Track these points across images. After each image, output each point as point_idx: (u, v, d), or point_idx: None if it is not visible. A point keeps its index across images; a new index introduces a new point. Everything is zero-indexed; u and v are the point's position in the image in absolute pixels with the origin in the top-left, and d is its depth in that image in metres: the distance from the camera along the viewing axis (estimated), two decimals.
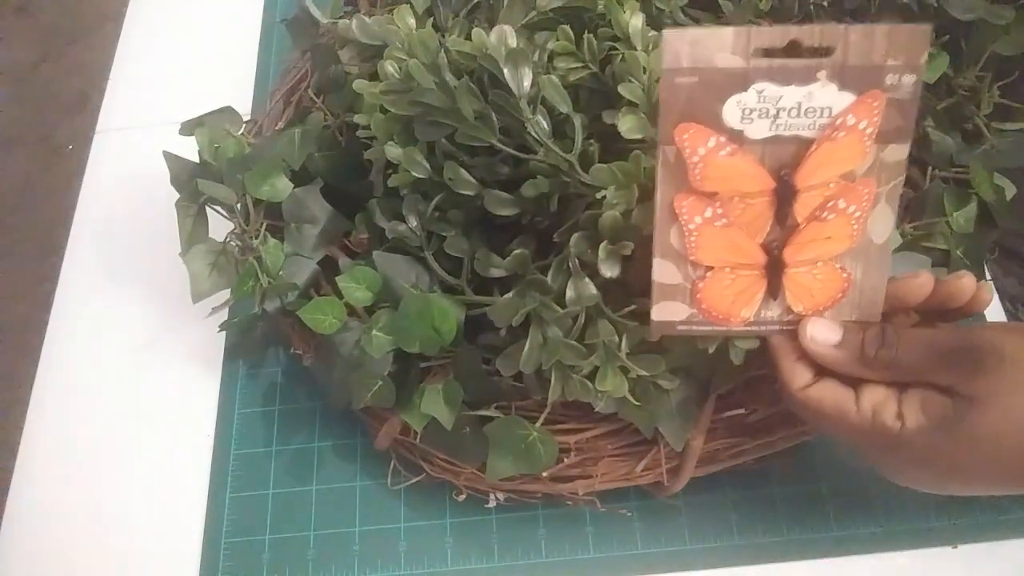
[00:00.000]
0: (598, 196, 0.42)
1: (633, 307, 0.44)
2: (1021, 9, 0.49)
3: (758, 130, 0.37)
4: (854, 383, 0.39)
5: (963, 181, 0.53)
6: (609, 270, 0.42)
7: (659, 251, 0.39)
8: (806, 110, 0.36)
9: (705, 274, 0.40)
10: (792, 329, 0.41)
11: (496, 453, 0.48)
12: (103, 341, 0.64)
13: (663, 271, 0.40)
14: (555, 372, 0.44)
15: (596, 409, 0.46)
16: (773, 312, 0.41)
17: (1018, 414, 0.35)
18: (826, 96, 0.36)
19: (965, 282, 0.39)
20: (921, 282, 0.39)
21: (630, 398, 0.45)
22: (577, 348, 0.43)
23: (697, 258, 0.39)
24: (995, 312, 0.60)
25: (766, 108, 0.36)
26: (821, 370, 0.40)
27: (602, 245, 0.42)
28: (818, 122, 0.37)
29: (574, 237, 0.43)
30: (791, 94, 0.36)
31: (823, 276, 0.40)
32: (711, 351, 0.43)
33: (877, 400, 0.38)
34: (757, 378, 0.50)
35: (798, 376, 0.40)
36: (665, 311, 0.41)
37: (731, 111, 0.37)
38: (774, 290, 0.40)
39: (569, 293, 0.43)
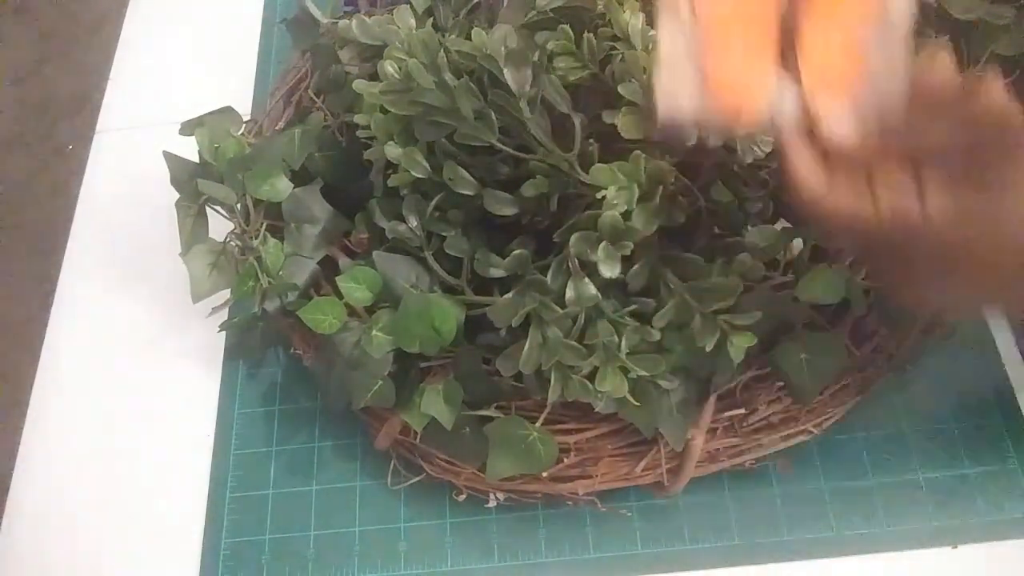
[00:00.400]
0: (598, 196, 0.42)
1: (634, 307, 0.44)
2: (1021, 9, 0.49)
3: None
4: (867, 177, 0.35)
5: None
6: (609, 270, 0.42)
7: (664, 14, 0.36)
8: None
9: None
10: (806, 128, 0.36)
11: (496, 453, 0.48)
12: (103, 341, 0.63)
13: (669, 37, 0.36)
14: (555, 372, 0.44)
15: (596, 409, 0.46)
16: (788, 105, 0.36)
17: None
18: None
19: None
20: (940, 64, 0.34)
21: (630, 398, 0.45)
22: (577, 348, 0.44)
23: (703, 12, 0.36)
24: (997, 316, 0.60)
25: None
26: (829, 168, 0.36)
27: (602, 245, 0.42)
28: None
29: (573, 237, 0.43)
30: None
31: (839, 54, 0.36)
32: (709, 349, 0.43)
33: (895, 193, 0.34)
34: (757, 378, 0.50)
35: (816, 183, 0.36)
36: (672, 86, 0.36)
37: None
38: (788, 63, 0.36)
39: (569, 293, 0.43)
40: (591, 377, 0.44)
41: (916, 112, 0.35)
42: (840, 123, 0.35)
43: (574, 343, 0.44)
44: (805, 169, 0.36)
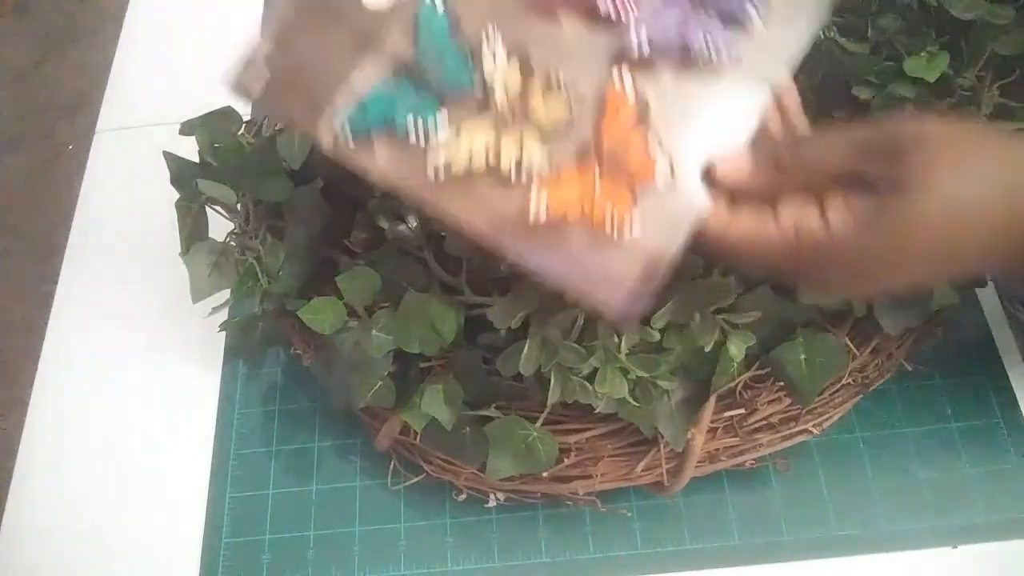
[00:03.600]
0: None
1: None
2: (1021, 9, 0.49)
3: None
4: (770, 206, 0.37)
5: None
6: None
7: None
8: None
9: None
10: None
11: (496, 453, 0.48)
12: (103, 341, 0.64)
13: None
14: (555, 374, 0.44)
15: (596, 410, 0.46)
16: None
17: (946, 192, 0.33)
18: None
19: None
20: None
21: (629, 399, 0.45)
22: (576, 350, 0.43)
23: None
24: (996, 313, 0.60)
25: None
26: (732, 205, 0.38)
27: None
28: None
29: None
30: None
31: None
32: (708, 349, 0.43)
33: (797, 212, 0.36)
34: (757, 378, 0.50)
35: (712, 220, 0.37)
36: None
37: None
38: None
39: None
40: (591, 378, 0.44)
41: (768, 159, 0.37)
42: (733, 166, 0.38)
43: (574, 344, 0.44)
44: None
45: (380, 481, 0.56)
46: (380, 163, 0.37)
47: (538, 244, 0.37)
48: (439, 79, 0.37)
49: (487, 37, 0.37)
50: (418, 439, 0.50)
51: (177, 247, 0.55)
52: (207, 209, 0.56)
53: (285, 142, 0.56)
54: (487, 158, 0.37)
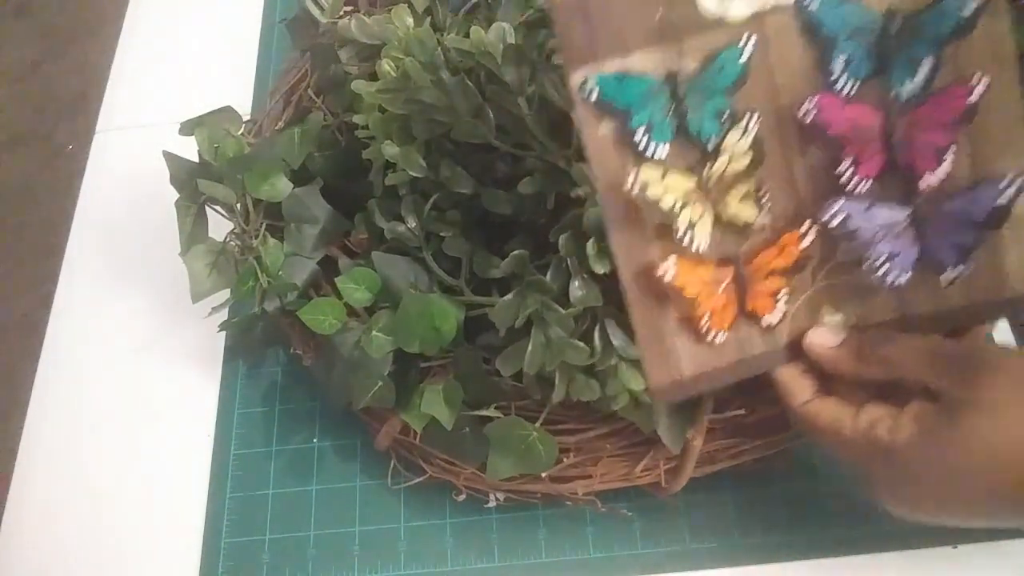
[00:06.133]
0: (582, 194, 0.42)
1: None
2: (1021, 9, 0.49)
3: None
4: (854, 403, 0.40)
5: None
6: (601, 266, 0.42)
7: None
8: None
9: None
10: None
11: (496, 453, 0.48)
12: (103, 341, 0.64)
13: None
14: (559, 373, 0.44)
15: (612, 408, 0.46)
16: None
17: (1012, 425, 0.34)
18: None
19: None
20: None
21: (636, 391, 0.45)
22: (582, 348, 0.43)
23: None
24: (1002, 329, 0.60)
25: None
26: (822, 388, 0.41)
27: (589, 243, 0.42)
28: None
29: (562, 237, 0.43)
30: None
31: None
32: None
33: (874, 416, 0.39)
34: (757, 379, 0.50)
35: (799, 391, 0.41)
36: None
37: None
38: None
39: (574, 293, 0.43)
40: (595, 377, 0.44)
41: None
42: (821, 338, 0.41)
43: (578, 343, 0.43)
44: (790, 383, 0.42)
45: (380, 481, 0.56)
46: (598, 134, 0.37)
47: (643, 296, 0.40)
48: (693, 115, 0.38)
49: (751, 115, 0.38)
50: (418, 439, 0.50)
51: (177, 247, 0.55)
52: (207, 209, 0.56)
53: (285, 142, 0.56)
54: (673, 207, 0.38)
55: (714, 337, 0.40)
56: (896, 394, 0.39)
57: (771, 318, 0.41)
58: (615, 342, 0.43)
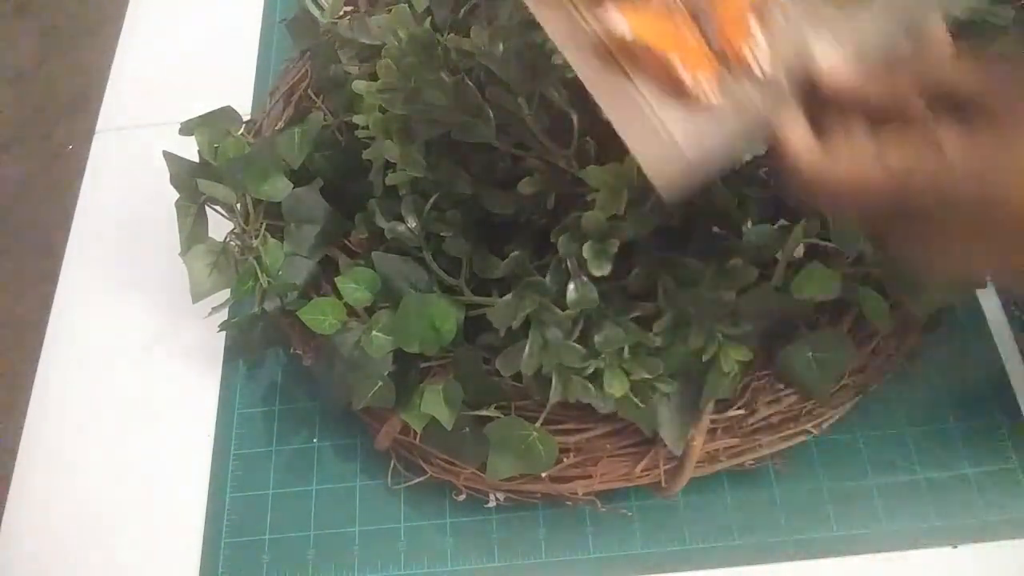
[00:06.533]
0: (588, 198, 0.42)
1: (638, 314, 0.44)
2: (1021, 9, 0.49)
3: None
4: (865, 144, 0.33)
5: None
6: (598, 269, 0.42)
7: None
8: None
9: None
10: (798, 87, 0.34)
11: (496, 453, 0.48)
12: (103, 341, 0.63)
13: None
14: (556, 374, 0.44)
15: (601, 410, 0.46)
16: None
17: None
18: None
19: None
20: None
21: (632, 396, 0.45)
22: (578, 350, 0.43)
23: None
24: (997, 316, 0.60)
25: None
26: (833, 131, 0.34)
27: (587, 245, 0.42)
28: None
29: (562, 239, 0.43)
30: None
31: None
32: (706, 359, 0.43)
33: (902, 144, 0.32)
34: (757, 379, 0.50)
35: (811, 151, 0.33)
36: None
37: None
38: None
39: (571, 295, 0.43)
40: (591, 378, 0.44)
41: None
42: (836, 62, 0.33)
43: (575, 344, 0.43)
44: (799, 139, 0.34)
45: (380, 481, 0.56)
46: None
47: (604, 75, 0.33)
48: None
49: None
50: (418, 439, 0.51)
51: (177, 247, 0.55)
52: (207, 209, 0.56)
53: (285, 142, 0.56)
54: None
55: (706, 95, 0.33)
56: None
57: (758, 54, 0.34)
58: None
